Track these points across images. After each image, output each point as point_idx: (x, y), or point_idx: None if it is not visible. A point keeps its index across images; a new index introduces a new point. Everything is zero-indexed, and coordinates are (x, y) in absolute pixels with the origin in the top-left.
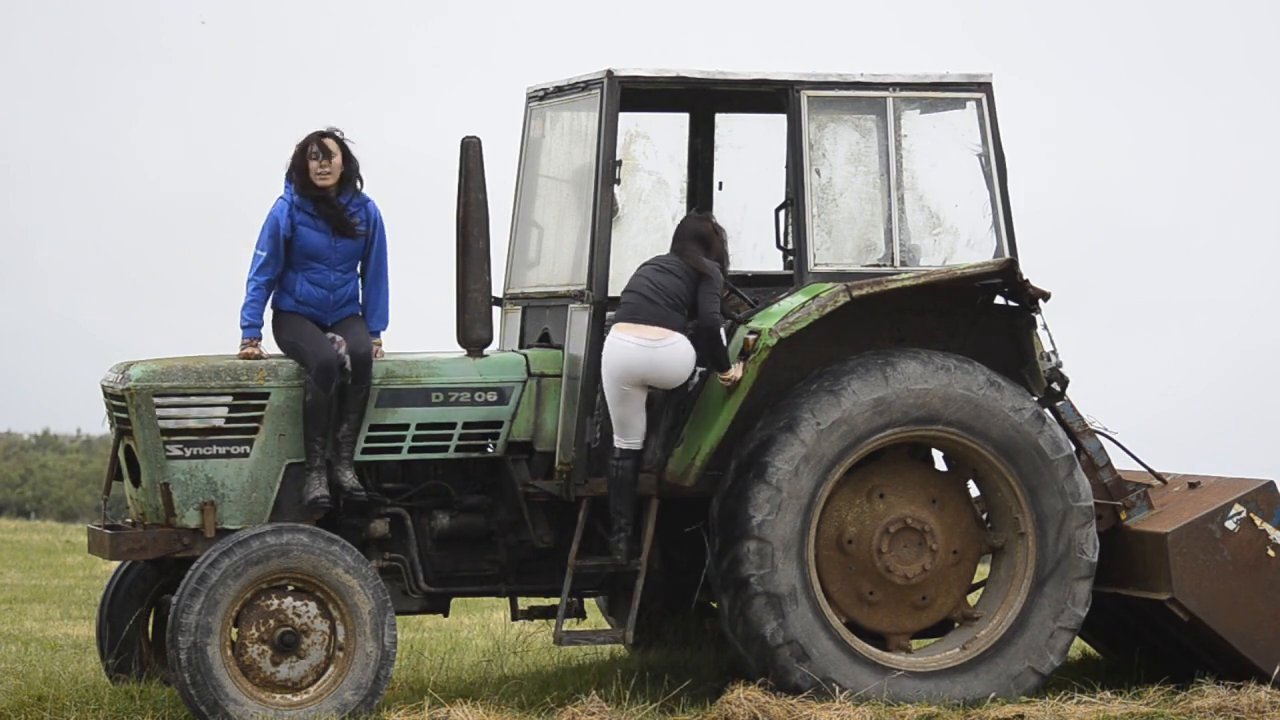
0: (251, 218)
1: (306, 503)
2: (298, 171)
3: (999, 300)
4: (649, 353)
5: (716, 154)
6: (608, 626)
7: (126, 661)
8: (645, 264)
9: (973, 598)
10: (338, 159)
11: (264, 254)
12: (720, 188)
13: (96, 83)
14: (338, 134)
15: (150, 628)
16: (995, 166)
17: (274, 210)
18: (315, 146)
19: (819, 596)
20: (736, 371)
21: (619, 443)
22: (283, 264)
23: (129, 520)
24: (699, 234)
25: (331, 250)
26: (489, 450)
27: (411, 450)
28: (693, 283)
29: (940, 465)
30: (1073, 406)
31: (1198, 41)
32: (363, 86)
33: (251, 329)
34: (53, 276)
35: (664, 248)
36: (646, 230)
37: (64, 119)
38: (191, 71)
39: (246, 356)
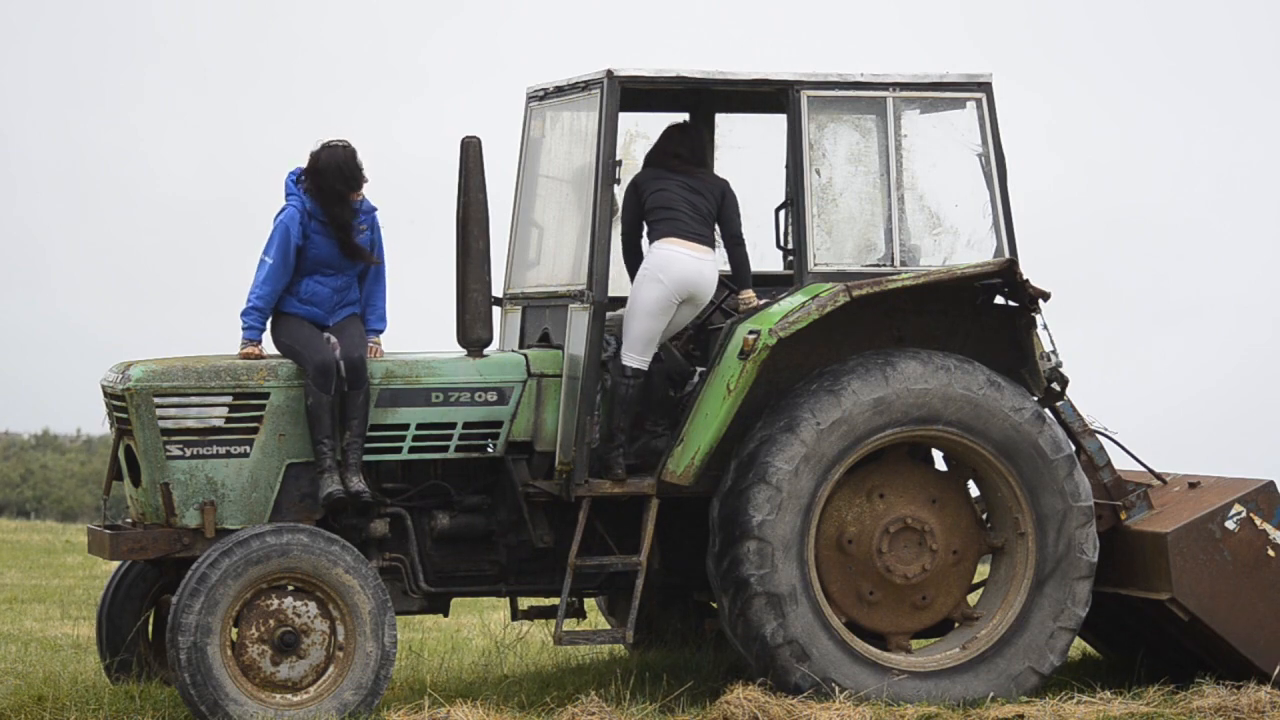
0: (254, 218)
1: (321, 499)
2: (341, 185)
3: (999, 300)
4: (701, 265)
5: (716, 154)
6: (608, 626)
7: (126, 661)
8: (664, 180)
9: (973, 598)
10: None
11: (273, 262)
12: None
13: (98, 82)
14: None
15: (150, 628)
16: (995, 166)
17: (284, 218)
18: (359, 164)
19: (819, 596)
20: (753, 295)
21: (632, 361)
22: (292, 272)
23: (129, 520)
24: (698, 146)
25: (341, 257)
26: (489, 450)
27: (412, 450)
28: (717, 201)
29: (940, 465)
30: (1073, 406)
31: (1196, 43)
32: (364, 87)
33: (252, 330)
34: (53, 276)
35: None
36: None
37: (66, 118)
38: (195, 72)
39: (247, 356)
